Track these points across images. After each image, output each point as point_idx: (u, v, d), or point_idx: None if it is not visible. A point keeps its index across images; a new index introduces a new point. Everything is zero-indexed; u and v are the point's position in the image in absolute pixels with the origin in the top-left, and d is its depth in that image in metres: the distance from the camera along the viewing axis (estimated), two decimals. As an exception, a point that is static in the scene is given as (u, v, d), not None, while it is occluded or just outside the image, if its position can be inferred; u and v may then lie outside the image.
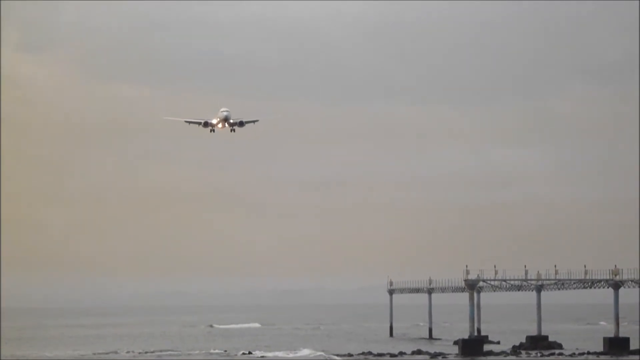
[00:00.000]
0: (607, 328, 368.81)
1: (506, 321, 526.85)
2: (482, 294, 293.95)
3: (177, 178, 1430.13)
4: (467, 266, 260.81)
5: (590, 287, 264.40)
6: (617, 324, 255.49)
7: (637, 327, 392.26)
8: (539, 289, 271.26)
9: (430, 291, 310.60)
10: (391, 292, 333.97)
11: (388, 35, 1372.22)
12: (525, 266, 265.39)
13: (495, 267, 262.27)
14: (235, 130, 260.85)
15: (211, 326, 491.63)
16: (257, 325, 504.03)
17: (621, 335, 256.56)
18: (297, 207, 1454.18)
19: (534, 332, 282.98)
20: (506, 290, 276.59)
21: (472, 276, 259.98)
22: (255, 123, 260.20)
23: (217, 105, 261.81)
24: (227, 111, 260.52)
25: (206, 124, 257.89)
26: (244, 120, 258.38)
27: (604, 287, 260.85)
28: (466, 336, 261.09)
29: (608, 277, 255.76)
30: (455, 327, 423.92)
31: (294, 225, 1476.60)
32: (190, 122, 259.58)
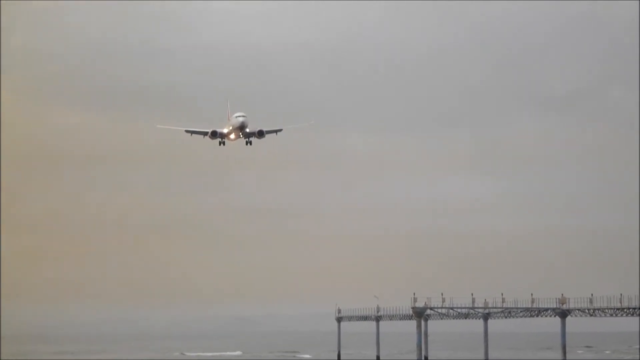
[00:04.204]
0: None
1: (454, 349, 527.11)
2: (430, 322, 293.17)
3: (130, 205, 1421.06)
4: (414, 294, 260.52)
5: (537, 316, 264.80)
6: (564, 353, 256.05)
7: (584, 355, 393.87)
8: (485, 317, 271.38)
9: (378, 319, 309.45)
10: (339, 319, 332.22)
11: (343, 65, 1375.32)
12: (472, 294, 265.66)
13: (442, 295, 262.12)
14: (252, 142, 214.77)
15: (182, 354, 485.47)
16: (238, 353, 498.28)
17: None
18: (247, 235, 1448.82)
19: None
20: (453, 318, 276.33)
21: (420, 304, 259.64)
22: (278, 133, 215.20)
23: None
24: (243, 116, 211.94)
25: (214, 134, 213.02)
26: (264, 129, 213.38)
27: (550, 316, 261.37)
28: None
29: (555, 306, 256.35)
30: (403, 355, 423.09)
31: (244, 253, 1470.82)
32: (192, 132, 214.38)
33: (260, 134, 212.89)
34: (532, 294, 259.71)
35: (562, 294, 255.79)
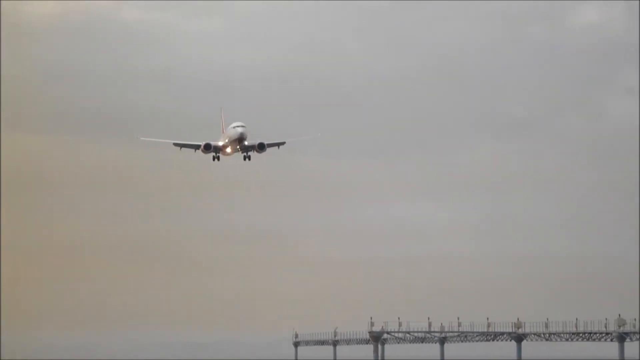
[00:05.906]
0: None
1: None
2: (387, 347, 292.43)
3: (89, 230, 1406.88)
4: (371, 318, 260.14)
5: (493, 340, 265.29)
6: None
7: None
8: (442, 341, 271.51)
9: (335, 343, 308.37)
10: (296, 344, 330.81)
11: (296, 88, 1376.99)
12: (428, 318, 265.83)
13: (399, 319, 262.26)
14: (251, 157, 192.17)
15: None
16: None
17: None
18: (205, 259, 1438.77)
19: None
20: (410, 343, 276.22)
21: (377, 328, 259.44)
22: (280, 147, 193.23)
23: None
24: (242, 127, 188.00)
25: (208, 148, 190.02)
26: (265, 142, 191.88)
27: (506, 340, 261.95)
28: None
29: (511, 330, 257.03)
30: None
31: (197, 278, 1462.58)
32: (182, 146, 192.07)
33: (261, 147, 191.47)
34: (487, 318, 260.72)
35: (518, 318, 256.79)
